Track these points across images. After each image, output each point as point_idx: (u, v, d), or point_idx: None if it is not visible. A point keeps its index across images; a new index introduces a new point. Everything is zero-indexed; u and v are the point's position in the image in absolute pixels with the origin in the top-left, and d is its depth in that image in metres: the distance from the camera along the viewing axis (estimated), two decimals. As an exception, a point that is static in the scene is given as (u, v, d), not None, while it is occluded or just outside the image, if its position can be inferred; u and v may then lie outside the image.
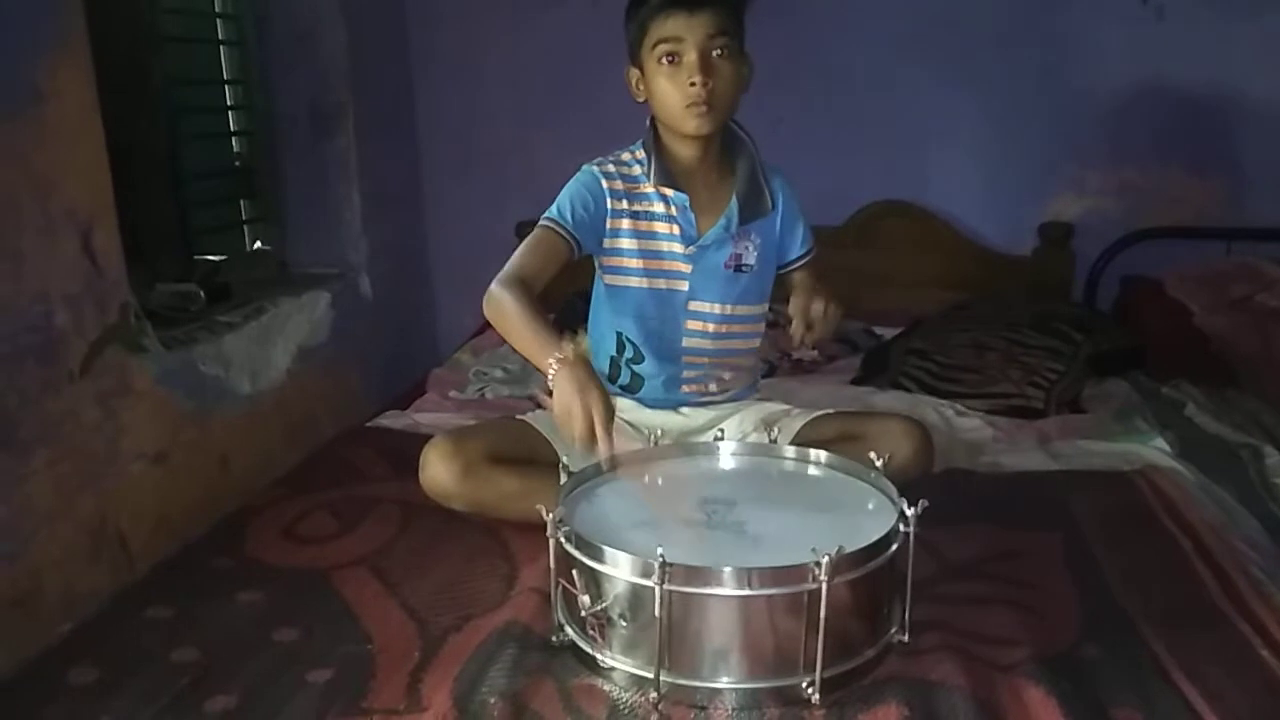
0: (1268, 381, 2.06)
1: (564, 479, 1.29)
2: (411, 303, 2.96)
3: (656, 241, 1.59)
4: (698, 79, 1.45)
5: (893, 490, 1.21)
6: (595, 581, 1.11)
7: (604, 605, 1.09)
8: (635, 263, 1.59)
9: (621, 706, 1.08)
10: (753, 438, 1.58)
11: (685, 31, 1.45)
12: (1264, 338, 2.14)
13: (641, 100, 1.55)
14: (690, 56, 1.45)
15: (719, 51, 1.46)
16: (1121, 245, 2.57)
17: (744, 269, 1.62)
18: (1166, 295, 2.37)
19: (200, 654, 1.20)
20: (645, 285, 1.60)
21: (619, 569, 1.08)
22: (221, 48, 2.46)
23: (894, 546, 1.12)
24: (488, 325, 2.13)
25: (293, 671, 1.16)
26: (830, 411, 1.65)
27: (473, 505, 1.51)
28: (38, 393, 1.53)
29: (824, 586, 1.03)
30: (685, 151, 1.56)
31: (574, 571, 1.12)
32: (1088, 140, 2.59)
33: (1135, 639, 1.19)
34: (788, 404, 1.72)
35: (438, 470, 1.49)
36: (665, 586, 1.03)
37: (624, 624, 1.09)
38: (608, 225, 1.57)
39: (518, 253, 1.49)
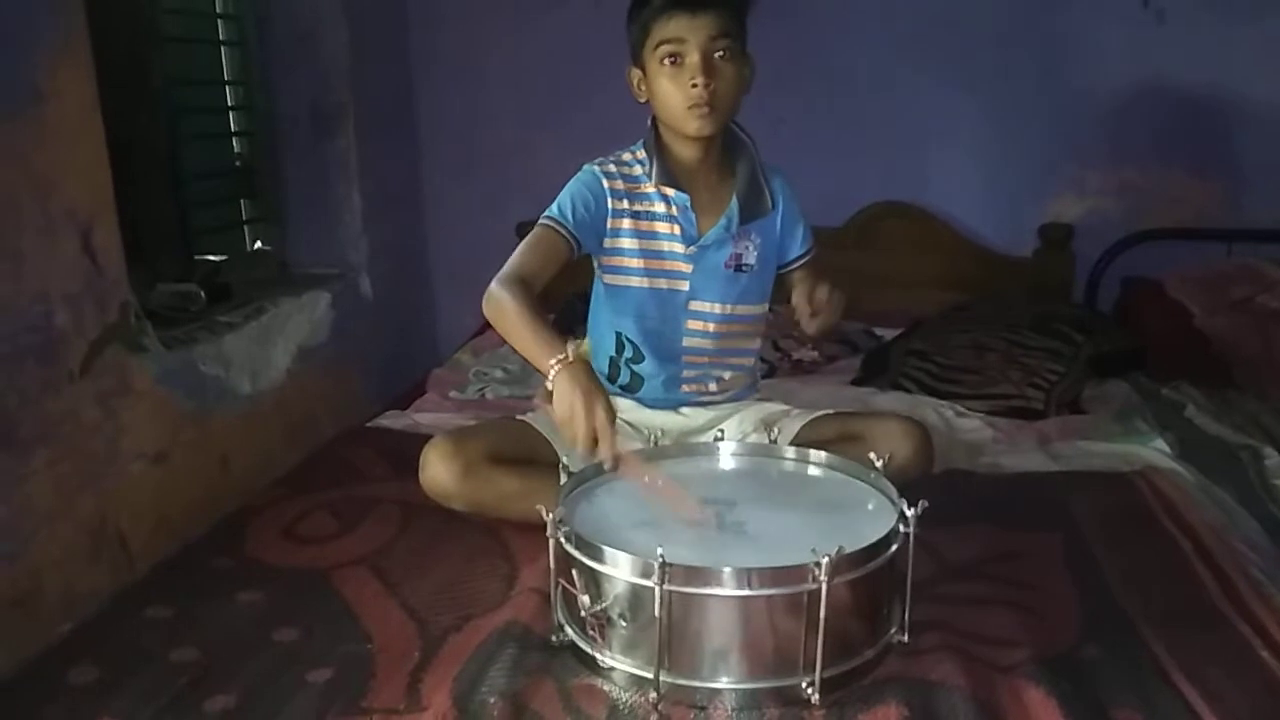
0: (1268, 383, 2.06)
1: (564, 479, 1.29)
2: (412, 303, 2.96)
3: (657, 241, 1.59)
4: (700, 80, 1.45)
5: (892, 491, 1.21)
6: (595, 582, 1.10)
7: (604, 605, 1.09)
8: (636, 262, 1.59)
9: (621, 707, 1.08)
10: (752, 438, 1.58)
11: (688, 33, 1.45)
12: (1264, 339, 2.14)
13: (643, 101, 1.55)
14: (692, 58, 1.45)
15: (721, 53, 1.46)
16: (1122, 246, 2.57)
17: (744, 269, 1.62)
18: (1167, 296, 2.37)
19: (200, 654, 1.20)
20: (646, 285, 1.60)
21: (619, 569, 1.08)
22: (222, 48, 2.46)
23: (894, 547, 1.12)
24: (488, 325, 2.12)
25: (292, 671, 1.16)
26: (830, 412, 1.65)
27: (473, 505, 1.51)
28: (38, 392, 1.53)
29: (824, 587, 1.03)
30: (686, 152, 1.57)
31: (574, 571, 1.12)
32: (1088, 141, 2.59)
33: (1135, 640, 1.19)
34: (787, 404, 1.72)
35: (438, 470, 1.49)
36: (665, 587, 1.03)
37: (624, 624, 1.09)
38: (608, 225, 1.57)
39: (518, 251, 1.49)
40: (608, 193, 1.56)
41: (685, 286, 1.61)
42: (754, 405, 1.71)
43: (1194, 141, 2.54)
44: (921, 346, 2.21)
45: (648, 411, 1.66)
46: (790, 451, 1.41)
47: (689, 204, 1.57)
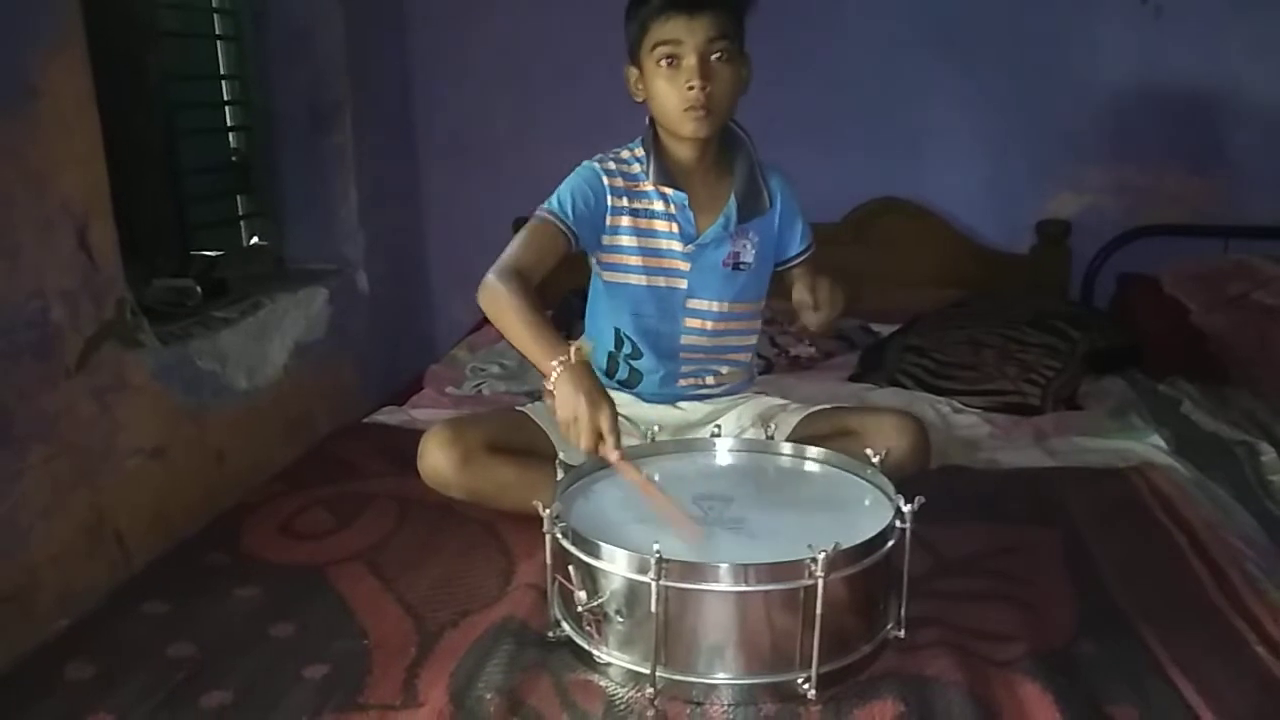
0: (1264, 379, 2.06)
1: (560, 474, 1.29)
2: (408, 299, 2.96)
3: (656, 239, 1.59)
4: (696, 83, 1.44)
5: (889, 486, 1.21)
6: (592, 577, 1.11)
7: (600, 601, 1.09)
8: (635, 260, 1.59)
9: (618, 702, 1.08)
10: (750, 433, 1.58)
11: (685, 34, 1.44)
12: (1260, 335, 2.15)
13: (640, 100, 1.55)
14: (690, 60, 1.45)
15: (718, 55, 1.46)
16: (1119, 243, 2.57)
17: (742, 267, 1.62)
18: (1163, 293, 2.38)
19: (196, 649, 1.20)
20: (644, 283, 1.60)
21: (615, 565, 1.08)
22: (219, 43, 2.45)
23: (890, 543, 1.13)
24: (485, 322, 2.13)
25: (289, 667, 1.16)
26: (827, 408, 1.65)
27: (470, 494, 1.51)
28: (34, 388, 1.53)
29: (820, 582, 1.03)
30: (683, 151, 1.56)
31: (570, 567, 1.12)
32: (1085, 138, 2.59)
33: (1131, 635, 1.20)
34: (785, 400, 1.72)
35: (436, 458, 1.49)
36: (661, 582, 1.03)
37: (620, 620, 1.09)
38: (607, 222, 1.57)
39: (514, 243, 1.48)
40: (607, 190, 1.56)
41: (683, 284, 1.61)
42: (751, 400, 1.71)
43: (1191, 138, 2.54)
44: (919, 343, 2.21)
45: (645, 406, 1.66)
46: (787, 447, 1.41)
47: (687, 203, 1.57)
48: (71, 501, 1.60)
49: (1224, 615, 1.24)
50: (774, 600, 1.05)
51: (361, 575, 1.39)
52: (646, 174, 1.57)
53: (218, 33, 2.45)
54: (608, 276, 1.62)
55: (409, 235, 2.96)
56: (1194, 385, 2.06)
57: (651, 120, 1.57)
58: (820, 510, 1.25)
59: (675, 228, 1.58)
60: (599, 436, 1.25)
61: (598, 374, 1.33)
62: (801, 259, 1.69)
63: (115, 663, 1.17)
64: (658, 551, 1.03)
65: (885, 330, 2.43)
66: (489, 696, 1.07)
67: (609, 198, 1.56)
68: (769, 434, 1.45)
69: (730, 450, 1.42)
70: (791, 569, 1.04)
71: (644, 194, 1.58)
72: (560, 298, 2.38)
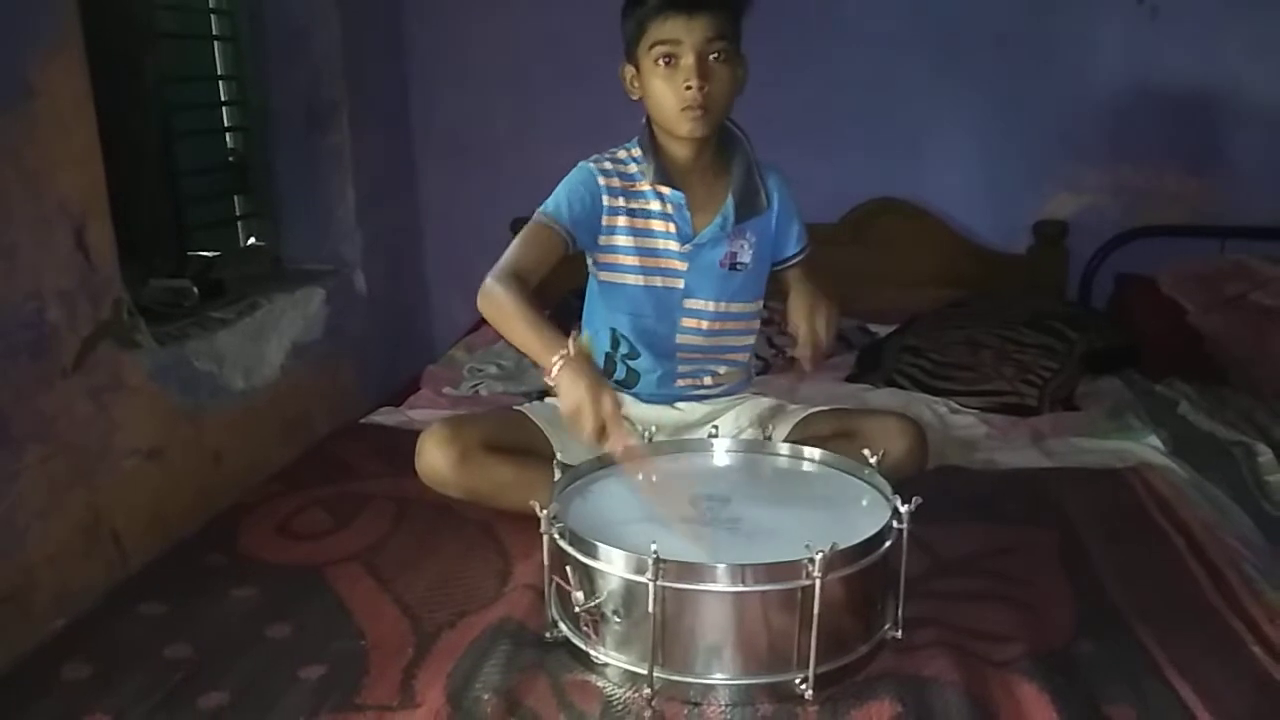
0: (1261, 379, 2.07)
1: (558, 474, 1.29)
2: (406, 299, 2.95)
3: (653, 239, 1.59)
4: (694, 83, 1.44)
5: (887, 487, 1.22)
6: (589, 578, 1.11)
7: (598, 601, 1.09)
8: (631, 260, 1.59)
9: (615, 702, 1.08)
10: (747, 434, 1.58)
11: (683, 34, 1.44)
12: (1257, 336, 2.15)
13: (636, 98, 1.55)
14: (687, 59, 1.45)
15: (716, 55, 1.46)
16: (1116, 243, 2.57)
17: (739, 267, 1.62)
18: (1160, 293, 2.38)
19: (193, 650, 1.20)
20: (641, 283, 1.60)
21: (613, 565, 1.08)
22: (215, 43, 2.45)
23: (888, 543, 1.13)
24: (482, 322, 2.12)
25: (286, 668, 1.16)
26: (825, 408, 1.66)
27: (468, 493, 1.51)
28: (30, 389, 1.53)
29: (818, 583, 1.03)
30: (680, 151, 1.56)
31: (568, 568, 1.13)
32: (1083, 138, 2.59)
33: (1128, 635, 1.20)
34: (782, 401, 1.72)
35: (434, 457, 1.49)
36: (659, 583, 1.03)
37: (618, 620, 1.09)
38: (604, 223, 1.57)
39: (513, 247, 1.49)
40: (603, 190, 1.56)
41: (680, 284, 1.61)
42: (749, 401, 1.71)
43: (1188, 138, 2.54)
44: (916, 343, 2.21)
45: (643, 407, 1.66)
46: (784, 448, 1.42)
47: (684, 202, 1.57)
48: (68, 502, 1.60)
49: (1221, 616, 1.24)
50: (771, 601, 1.05)
51: (359, 576, 1.38)
52: (643, 174, 1.57)
53: (214, 33, 2.44)
54: (604, 277, 1.62)
55: (407, 235, 2.95)
56: (1191, 386, 2.06)
57: (648, 120, 1.57)
58: (818, 510, 1.25)
59: (672, 227, 1.58)
60: (603, 426, 1.25)
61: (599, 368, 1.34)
62: (797, 260, 1.69)
63: (112, 663, 1.17)
64: (655, 552, 1.03)
65: (883, 330, 2.43)
66: (486, 697, 1.07)
67: (605, 198, 1.56)
68: (767, 435, 1.46)
69: (728, 450, 1.42)
70: (789, 569, 1.04)
71: (640, 194, 1.58)
72: (558, 298, 2.38)
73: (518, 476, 1.47)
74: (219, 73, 2.47)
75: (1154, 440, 1.80)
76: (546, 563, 1.17)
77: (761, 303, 1.70)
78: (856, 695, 1.07)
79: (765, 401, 1.71)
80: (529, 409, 1.64)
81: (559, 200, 1.53)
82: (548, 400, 1.70)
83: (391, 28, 2.82)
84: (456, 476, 1.49)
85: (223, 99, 2.49)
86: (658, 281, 1.60)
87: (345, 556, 1.44)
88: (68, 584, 1.57)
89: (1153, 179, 2.58)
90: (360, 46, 2.58)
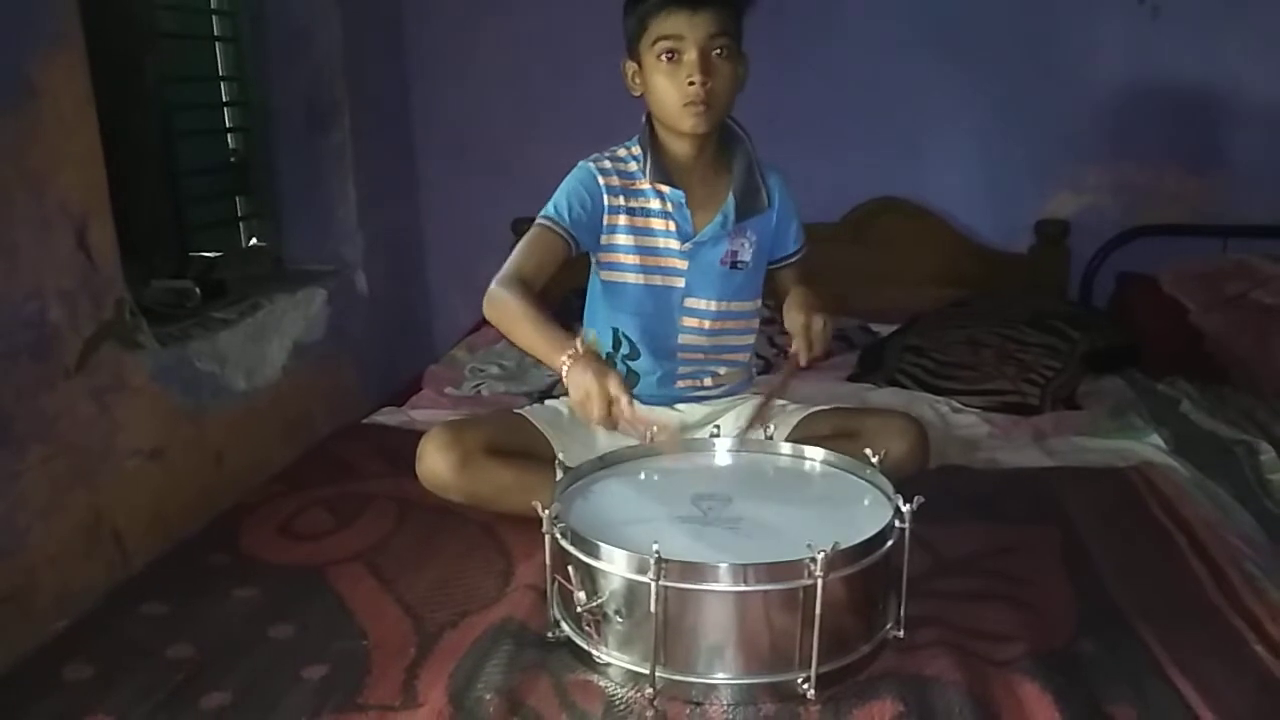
0: (1262, 378, 2.07)
1: (559, 475, 1.29)
2: (407, 299, 2.95)
3: (653, 238, 1.59)
4: (697, 78, 1.45)
5: (888, 486, 1.21)
6: (591, 577, 1.11)
7: (600, 601, 1.09)
8: (632, 259, 1.59)
9: (617, 702, 1.08)
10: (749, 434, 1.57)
11: (686, 30, 1.44)
12: (1259, 335, 2.15)
13: (638, 94, 1.55)
14: (690, 55, 1.45)
15: (719, 51, 1.46)
16: (1118, 242, 2.57)
17: (739, 266, 1.62)
18: (1162, 292, 2.38)
19: (195, 650, 1.20)
20: (642, 281, 1.60)
21: (614, 565, 1.08)
22: (217, 44, 2.45)
23: (889, 542, 1.12)
24: (484, 322, 2.12)
25: (288, 668, 1.16)
26: (826, 408, 1.65)
27: (469, 497, 1.51)
28: (32, 389, 1.53)
29: (819, 582, 1.03)
30: (681, 148, 1.56)
31: (570, 567, 1.12)
32: (1084, 137, 2.59)
33: (1130, 635, 1.20)
34: (784, 400, 1.72)
35: (435, 460, 1.49)
36: (661, 582, 1.03)
37: (620, 620, 1.09)
38: (604, 222, 1.57)
39: (516, 251, 1.49)
40: (603, 190, 1.56)
41: (681, 283, 1.61)
42: (750, 402, 1.71)
43: (1190, 137, 2.54)
44: (918, 342, 2.21)
45: (644, 408, 1.64)
46: (786, 447, 1.41)
47: (684, 201, 1.57)
48: (70, 502, 1.60)
49: (1223, 614, 1.24)
50: (773, 600, 1.05)
51: (361, 576, 1.38)
52: (643, 172, 1.57)
53: (216, 34, 2.45)
54: (605, 275, 1.62)
55: (408, 235, 2.96)
56: (1193, 385, 2.06)
57: (649, 117, 1.57)
58: (819, 510, 1.25)
59: (672, 226, 1.58)
60: (610, 404, 1.26)
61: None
62: (793, 259, 1.69)
63: (114, 663, 1.17)
64: (657, 551, 1.03)
65: (884, 330, 2.42)
66: (488, 697, 1.07)
67: (605, 197, 1.56)
68: (768, 434, 1.45)
69: (730, 450, 1.42)
70: (791, 569, 1.04)
71: (641, 192, 1.58)
72: (560, 298, 2.38)
73: (519, 480, 1.47)
74: (220, 73, 2.47)
75: (1156, 439, 1.80)
76: (548, 562, 1.17)
77: (761, 302, 1.70)
78: (858, 695, 1.07)
79: (766, 401, 1.70)
80: (529, 412, 1.64)
81: (559, 203, 1.53)
82: (548, 403, 1.70)
83: (392, 28, 2.82)
84: (457, 480, 1.49)
85: (224, 99, 2.49)
86: (658, 280, 1.60)
87: (347, 556, 1.44)
88: (69, 584, 1.57)
89: (1154, 178, 2.58)
90: (361, 47, 2.58)
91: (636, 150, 1.59)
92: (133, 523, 1.73)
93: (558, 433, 1.57)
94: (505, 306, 1.41)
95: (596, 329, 1.67)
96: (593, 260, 1.63)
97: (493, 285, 1.44)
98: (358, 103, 2.56)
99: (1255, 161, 2.51)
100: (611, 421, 1.29)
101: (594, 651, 1.12)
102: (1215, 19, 2.44)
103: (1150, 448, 1.77)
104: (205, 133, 2.47)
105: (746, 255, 1.62)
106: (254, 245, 2.60)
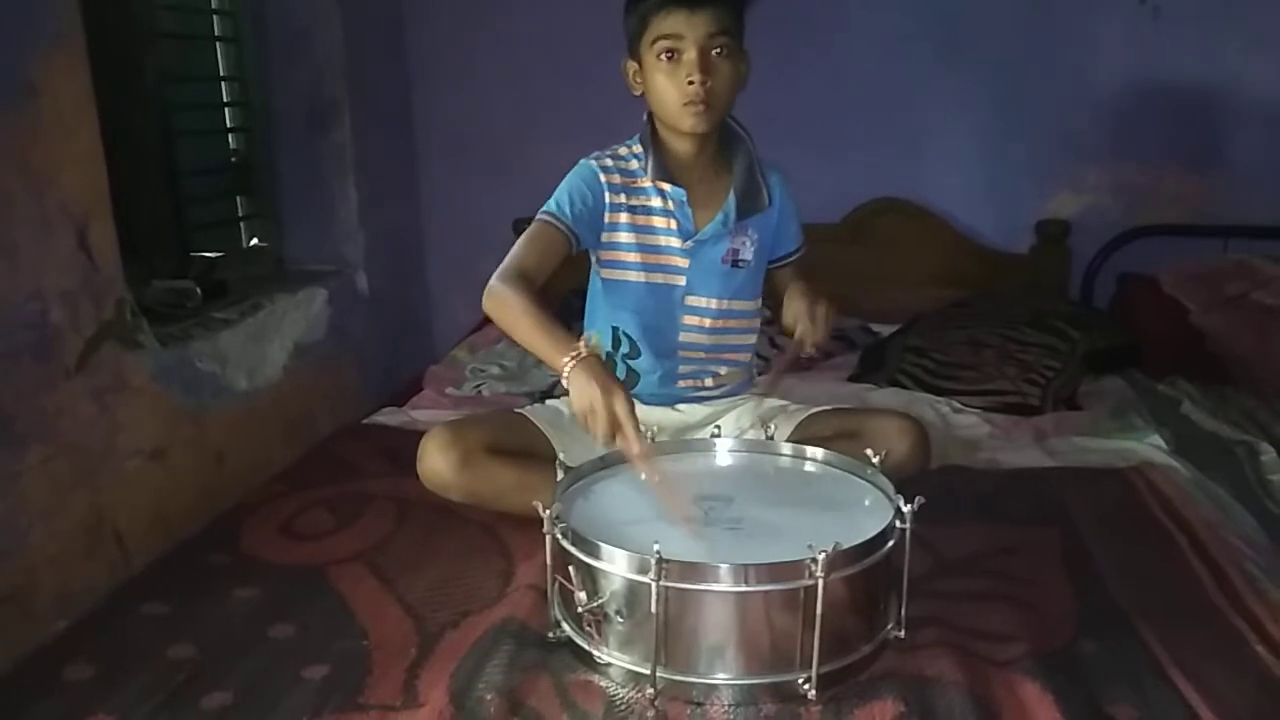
0: (1263, 378, 2.07)
1: (560, 475, 1.29)
2: (408, 299, 2.95)
3: (654, 236, 1.59)
4: (697, 77, 1.44)
5: (889, 487, 1.21)
6: (592, 578, 1.11)
7: (601, 601, 1.09)
8: (633, 257, 1.59)
9: (618, 702, 1.08)
10: (750, 434, 1.58)
11: (686, 29, 1.44)
12: (1259, 335, 2.15)
13: (638, 93, 1.55)
14: (690, 54, 1.45)
15: (719, 50, 1.46)
16: (1118, 243, 2.57)
17: (741, 264, 1.62)
18: (1163, 293, 2.38)
19: (196, 650, 1.20)
20: (643, 280, 1.60)
21: (615, 565, 1.08)
22: (218, 44, 2.45)
23: (890, 543, 1.12)
24: (485, 322, 2.12)
25: (289, 668, 1.16)
26: (827, 408, 1.65)
27: (470, 496, 1.51)
28: (33, 389, 1.53)
29: (820, 583, 1.03)
30: (682, 147, 1.56)
31: (571, 568, 1.12)
32: (1085, 138, 2.59)
33: (1131, 635, 1.20)
34: (784, 400, 1.72)
35: (436, 460, 1.49)
36: (662, 583, 1.03)
37: (620, 620, 1.09)
38: (606, 220, 1.57)
39: (516, 247, 1.49)
40: (605, 187, 1.56)
41: (681, 281, 1.61)
42: (751, 402, 1.71)
43: (1190, 137, 2.54)
44: (919, 343, 2.21)
45: (644, 408, 1.64)
46: (787, 448, 1.41)
47: (685, 199, 1.57)
48: (71, 502, 1.60)
49: (1224, 615, 1.24)
50: (774, 600, 1.05)
51: (361, 576, 1.38)
52: (644, 170, 1.57)
53: (216, 34, 2.45)
54: (606, 273, 1.62)
55: (409, 235, 2.96)
56: (1194, 385, 2.06)
57: (650, 116, 1.57)
58: (820, 510, 1.25)
59: (673, 224, 1.58)
60: (616, 426, 1.25)
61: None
62: (792, 259, 1.69)
63: (115, 664, 1.17)
64: (657, 552, 1.03)
65: (885, 330, 2.43)
66: (489, 697, 1.07)
67: (607, 195, 1.56)
68: (769, 435, 1.45)
69: (731, 450, 1.42)
70: (791, 569, 1.04)
71: (642, 190, 1.58)
72: (560, 297, 2.38)
73: (520, 479, 1.47)
74: (221, 73, 2.47)
75: (1156, 439, 1.80)
76: (549, 563, 1.17)
77: (761, 301, 1.70)
78: (859, 695, 1.07)
79: (767, 402, 1.71)
80: (530, 411, 1.64)
81: (561, 199, 1.53)
82: (549, 403, 1.70)
83: (393, 28, 2.82)
84: (458, 480, 1.49)
85: (225, 99, 2.49)
86: (659, 278, 1.60)
87: (348, 556, 1.44)
88: (70, 584, 1.57)
89: (1154, 178, 2.58)
90: (362, 47, 2.58)
91: (638, 149, 1.59)
92: (133, 523, 1.73)
93: (558, 433, 1.57)
94: (506, 302, 1.40)
95: (597, 328, 1.67)
96: (593, 259, 1.63)
97: (493, 280, 1.44)
98: (358, 103, 2.56)
99: (1256, 161, 2.51)
100: (613, 440, 1.27)
101: (595, 652, 1.12)
102: (1215, 19, 2.44)
103: (1151, 448, 1.77)
104: (206, 133, 2.47)
105: (748, 254, 1.62)
106: (255, 245, 2.60)
